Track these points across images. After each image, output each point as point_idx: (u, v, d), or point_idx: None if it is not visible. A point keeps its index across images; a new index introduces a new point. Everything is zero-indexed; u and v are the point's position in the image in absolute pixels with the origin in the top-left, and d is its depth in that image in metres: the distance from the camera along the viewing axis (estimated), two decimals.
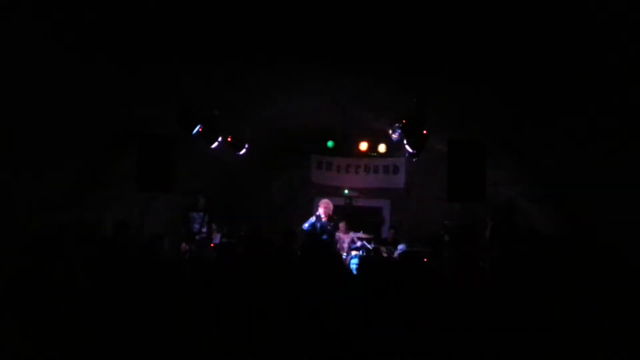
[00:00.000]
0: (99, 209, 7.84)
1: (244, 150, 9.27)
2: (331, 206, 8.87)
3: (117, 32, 4.87)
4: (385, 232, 11.28)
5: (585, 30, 4.20)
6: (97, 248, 5.33)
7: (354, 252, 9.14)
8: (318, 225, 8.66)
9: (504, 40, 4.79)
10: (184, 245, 8.71)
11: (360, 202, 11.60)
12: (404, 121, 7.11)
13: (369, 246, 9.35)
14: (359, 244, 9.27)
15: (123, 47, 5.21)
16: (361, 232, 9.76)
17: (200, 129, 7.33)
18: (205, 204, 9.06)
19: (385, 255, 8.80)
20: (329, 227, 8.67)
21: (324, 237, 8.57)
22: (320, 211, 8.75)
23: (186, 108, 6.95)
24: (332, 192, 11.33)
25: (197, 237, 9.09)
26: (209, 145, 7.95)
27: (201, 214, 8.99)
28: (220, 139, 8.09)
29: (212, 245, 9.38)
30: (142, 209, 9.13)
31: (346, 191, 11.48)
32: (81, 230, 6.65)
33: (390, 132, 8.02)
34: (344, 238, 9.55)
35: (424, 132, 7.05)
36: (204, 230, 8.96)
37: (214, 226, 9.31)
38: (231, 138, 8.76)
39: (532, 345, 3.68)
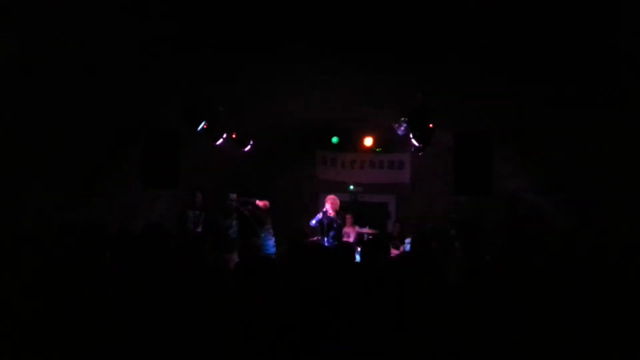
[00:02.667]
0: (105, 206, 7.85)
1: (248, 147, 9.25)
2: (337, 201, 8.86)
3: (122, 28, 4.86)
4: (391, 227, 11.27)
5: (592, 20, 4.17)
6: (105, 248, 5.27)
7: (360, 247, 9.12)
8: (325, 221, 8.65)
9: (510, 31, 4.76)
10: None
11: (366, 198, 11.58)
12: (409, 115, 7.07)
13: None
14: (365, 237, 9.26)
15: (127, 44, 5.20)
16: (367, 227, 9.75)
17: (205, 126, 7.31)
18: (203, 201, 8.72)
19: (393, 250, 8.77)
20: (336, 224, 8.66)
21: (331, 232, 8.56)
22: (327, 207, 8.73)
23: (192, 104, 6.93)
24: (337, 187, 11.30)
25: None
26: (214, 142, 7.93)
27: (197, 212, 8.60)
28: (225, 135, 8.08)
29: None
30: (147, 206, 9.13)
31: (351, 187, 11.46)
32: (87, 228, 6.61)
33: (396, 126, 7.97)
34: (350, 232, 9.54)
35: (430, 125, 7.01)
36: (199, 230, 8.43)
37: (210, 224, 8.99)
38: (236, 134, 8.74)
39: (535, 342, 3.65)
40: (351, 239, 9.38)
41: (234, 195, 8.82)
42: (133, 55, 5.47)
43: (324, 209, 8.76)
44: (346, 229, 9.45)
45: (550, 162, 7.31)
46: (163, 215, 9.44)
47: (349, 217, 9.58)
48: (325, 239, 8.59)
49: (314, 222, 8.80)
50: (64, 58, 5.04)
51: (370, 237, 9.21)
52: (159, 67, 5.96)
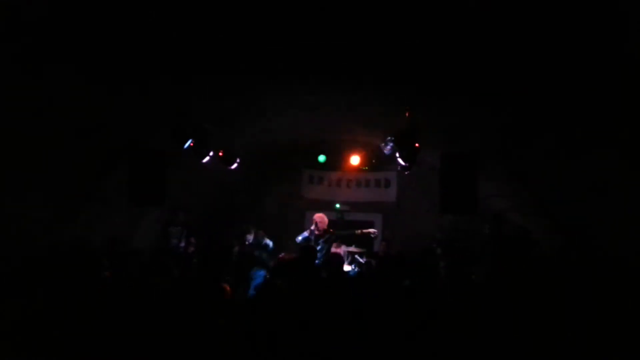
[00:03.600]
0: (89, 225, 7.76)
1: (235, 165, 9.23)
2: (326, 219, 8.83)
3: (108, 46, 4.85)
4: (377, 245, 11.25)
5: (575, 39, 4.24)
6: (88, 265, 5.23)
7: (346, 267, 9.09)
8: (312, 238, 8.62)
9: (497, 51, 4.82)
10: None
11: (352, 216, 11.57)
12: (396, 134, 7.12)
13: (361, 260, 9.32)
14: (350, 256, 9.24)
15: (113, 62, 5.19)
16: (353, 246, 9.73)
17: (191, 144, 7.30)
18: (185, 219, 8.94)
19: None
20: (323, 240, 8.62)
21: (319, 247, 8.50)
22: (315, 224, 8.70)
23: (178, 122, 6.92)
24: (323, 206, 11.31)
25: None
26: (200, 160, 7.91)
27: (179, 228, 8.86)
28: (211, 153, 8.06)
29: None
30: (131, 224, 9.05)
31: (338, 205, 11.47)
32: (72, 247, 6.56)
33: (382, 145, 8.03)
34: (338, 251, 9.51)
35: (416, 144, 7.06)
36: (182, 245, 8.80)
37: (192, 240, 9.17)
38: (222, 152, 8.72)
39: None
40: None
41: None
42: (119, 73, 5.45)
43: (312, 227, 8.73)
44: (333, 249, 9.41)
45: (536, 182, 7.38)
46: (147, 233, 9.37)
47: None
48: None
49: (300, 238, 8.77)
50: (49, 76, 5.02)
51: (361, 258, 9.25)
52: (146, 85, 5.95)
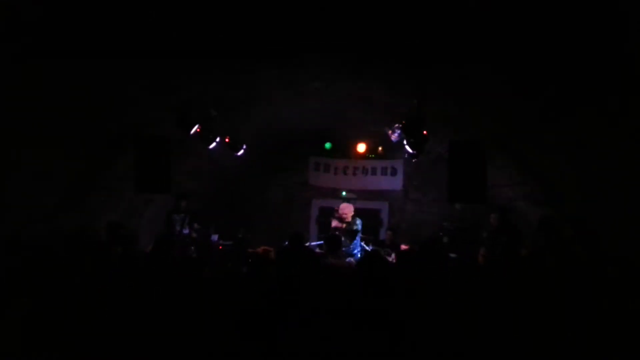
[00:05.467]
0: (95, 212, 7.76)
1: (241, 152, 9.19)
2: (351, 208, 9.02)
3: (114, 30, 4.79)
4: (383, 234, 11.22)
5: (584, 29, 4.16)
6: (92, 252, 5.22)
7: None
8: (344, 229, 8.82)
9: (506, 42, 4.75)
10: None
11: (358, 204, 11.52)
12: (404, 122, 7.05)
13: (367, 248, 9.30)
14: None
15: (120, 47, 5.13)
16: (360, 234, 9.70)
17: (198, 130, 7.26)
18: (187, 206, 8.99)
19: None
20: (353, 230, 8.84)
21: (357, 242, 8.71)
22: (345, 213, 8.92)
23: (184, 108, 6.88)
24: (329, 194, 11.27)
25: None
26: (207, 146, 7.89)
27: (182, 215, 8.91)
28: (218, 139, 8.02)
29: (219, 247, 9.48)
30: (138, 211, 9.07)
31: (344, 193, 11.41)
32: (77, 234, 6.56)
33: (390, 133, 7.96)
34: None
35: (425, 132, 6.99)
36: (185, 231, 8.90)
37: (195, 226, 9.23)
38: (229, 139, 8.68)
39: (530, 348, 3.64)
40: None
41: None
42: (125, 59, 5.39)
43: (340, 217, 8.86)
44: None
45: (545, 172, 7.31)
46: (152, 220, 9.38)
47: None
48: (356, 250, 8.71)
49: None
50: (54, 64, 4.96)
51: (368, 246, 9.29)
52: (152, 71, 5.89)
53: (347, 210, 8.86)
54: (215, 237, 9.99)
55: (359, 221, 9.36)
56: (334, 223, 8.91)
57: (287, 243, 9.61)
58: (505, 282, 4.44)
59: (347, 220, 8.77)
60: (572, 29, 4.19)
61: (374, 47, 5.50)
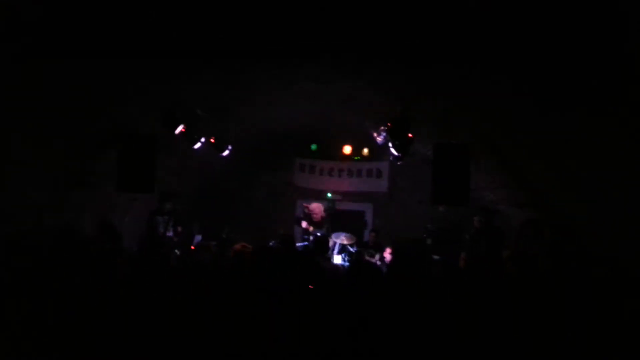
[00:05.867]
0: (79, 210, 7.69)
1: (227, 152, 9.16)
2: (322, 208, 8.83)
3: (101, 28, 4.76)
4: (367, 235, 11.26)
5: (572, 32, 4.21)
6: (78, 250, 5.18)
7: (336, 257, 9.09)
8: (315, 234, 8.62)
9: (491, 44, 4.78)
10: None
11: (343, 206, 11.56)
12: (389, 124, 7.08)
13: (351, 250, 9.31)
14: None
15: (106, 45, 5.09)
16: (344, 235, 9.71)
17: (183, 129, 7.22)
18: (172, 208, 8.80)
19: (368, 259, 8.77)
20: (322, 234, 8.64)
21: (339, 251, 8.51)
22: (314, 212, 8.69)
23: (170, 107, 6.84)
24: (314, 195, 11.28)
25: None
26: (192, 146, 7.84)
27: (166, 217, 8.72)
28: (203, 139, 7.99)
29: (192, 247, 9.27)
30: (122, 210, 8.98)
31: (329, 194, 11.44)
32: (62, 232, 6.50)
33: (375, 135, 8.00)
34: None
35: (410, 135, 7.03)
36: (169, 234, 8.68)
37: (179, 230, 9.02)
38: (214, 139, 8.65)
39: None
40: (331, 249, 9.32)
41: None
42: (110, 57, 5.35)
43: (309, 215, 8.68)
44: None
45: (528, 174, 7.38)
46: (137, 220, 9.31)
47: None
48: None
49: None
50: (40, 63, 4.91)
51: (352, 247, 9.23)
52: (136, 70, 5.85)
53: (317, 210, 8.69)
54: (199, 237, 9.94)
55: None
56: (304, 224, 8.77)
57: (272, 243, 9.63)
58: (485, 284, 4.48)
59: (316, 220, 8.62)
60: (565, 30, 4.22)
61: (361, 49, 5.52)
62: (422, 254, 7.31)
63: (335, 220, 10.10)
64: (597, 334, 3.83)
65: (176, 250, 8.66)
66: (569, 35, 4.21)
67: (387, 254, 8.70)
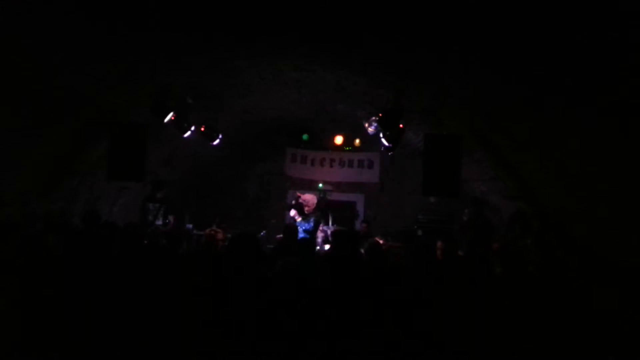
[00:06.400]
0: (69, 198, 7.65)
1: (217, 141, 9.11)
2: (315, 201, 8.65)
3: (91, 14, 4.70)
4: (359, 226, 11.28)
5: (575, 24, 4.20)
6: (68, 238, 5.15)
7: (327, 246, 9.08)
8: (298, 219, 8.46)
9: (484, 34, 4.77)
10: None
11: (334, 196, 11.56)
12: (380, 115, 7.07)
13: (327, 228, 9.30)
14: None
15: (96, 33, 5.03)
16: (334, 226, 9.72)
17: (172, 118, 7.17)
18: (163, 195, 8.75)
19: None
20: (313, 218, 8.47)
21: (309, 225, 8.31)
22: (306, 203, 8.50)
23: (160, 95, 6.78)
24: (306, 185, 11.26)
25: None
26: (182, 134, 7.80)
27: (157, 205, 8.67)
28: (193, 128, 7.94)
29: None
30: (112, 199, 8.95)
31: (320, 185, 11.43)
32: (52, 219, 6.46)
33: (367, 125, 7.97)
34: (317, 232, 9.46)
35: (401, 125, 7.03)
36: (158, 222, 8.58)
37: (169, 219, 8.87)
38: (204, 128, 8.60)
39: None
40: (319, 240, 9.28)
41: None
42: (101, 44, 5.30)
43: (299, 205, 8.53)
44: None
45: (518, 167, 7.40)
46: (129, 208, 9.28)
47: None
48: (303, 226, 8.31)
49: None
50: (29, 49, 4.86)
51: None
52: (128, 59, 5.80)
53: (311, 202, 8.55)
54: (190, 226, 9.91)
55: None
56: (292, 212, 8.60)
57: (263, 234, 9.59)
58: (465, 277, 4.47)
59: (307, 211, 8.48)
60: (563, 24, 4.21)
61: (353, 37, 5.48)
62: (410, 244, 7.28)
63: (326, 211, 10.06)
64: (583, 326, 3.85)
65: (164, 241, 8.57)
66: (562, 27, 4.20)
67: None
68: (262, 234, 9.69)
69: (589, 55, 4.26)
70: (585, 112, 4.96)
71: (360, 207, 12.18)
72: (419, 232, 10.11)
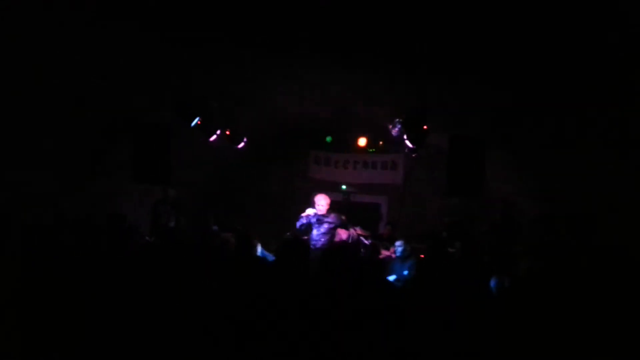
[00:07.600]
0: (94, 200, 7.77)
1: (242, 144, 9.18)
2: (328, 200, 8.53)
3: (116, 16, 4.79)
4: (382, 228, 11.24)
5: (583, 26, 4.16)
6: (93, 240, 5.25)
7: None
8: (313, 221, 8.33)
9: (506, 37, 4.74)
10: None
11: (357, 198, 11.54)
12: (404, 116, 7.05)
13: (365, 242, 9.28)
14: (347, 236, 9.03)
15: (122, 33, 5.13)
16: (359, 227, 9.68)
17: (198, 122, 7.22)
18: (175, 197, 8.64)
19: (383, 251, 8.76)
20: (328, 220, 8.33)
21: (323, 228, 8.21)
22: (320, 205, 8.36)
23: (185, 99, 6.86)
24: (330, 187, 11.26)
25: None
26: (207, 138, 7.86)
27: (168, 207, 8.55)
28: (218, 132, 8.00)
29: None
30: (137, 200, 9.06)
31: (344, 187, 11.42)
32: (77, 221, 6.56)
33: (390, 127, 7.96)
34: (341, 233, 9.42)
35: (425, 127, 7.00)
36: (171, 224, 8.46)
37: (182, 220, 8.79)
38: (229, 131, 8.66)
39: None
40: (344, 238, 9.20)
41: None
42: (126, 48, 5.39)
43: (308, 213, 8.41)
44: (338, 231, 9.30)
45: (542, 166, 7.31)
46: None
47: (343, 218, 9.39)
48: (315, 232, 8.25)
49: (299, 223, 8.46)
50: (54, 51, 4.97)
51: (367, 240, 9.10)
52: (152, 60, 5.89)
53: (323, 202, 8.33)
54: (215, 227, 9.98)
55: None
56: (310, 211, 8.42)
57: (289, 235, 9.53)
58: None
59: (320, 213, 8.28)
60: (574, 26, 4.18)
61: (377, 40, 5.49)
62: (437, 247, 7.20)
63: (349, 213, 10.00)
64: (609, 330, 3.79)
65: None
66: (581, 31, 4.16)
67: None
68: (287, 235, 9.71)
69: (617, 54, 4.21)
70: (612, 111, 4.90)
71: (383, 209, 12.14)
72: (444, 234, 10.02)
